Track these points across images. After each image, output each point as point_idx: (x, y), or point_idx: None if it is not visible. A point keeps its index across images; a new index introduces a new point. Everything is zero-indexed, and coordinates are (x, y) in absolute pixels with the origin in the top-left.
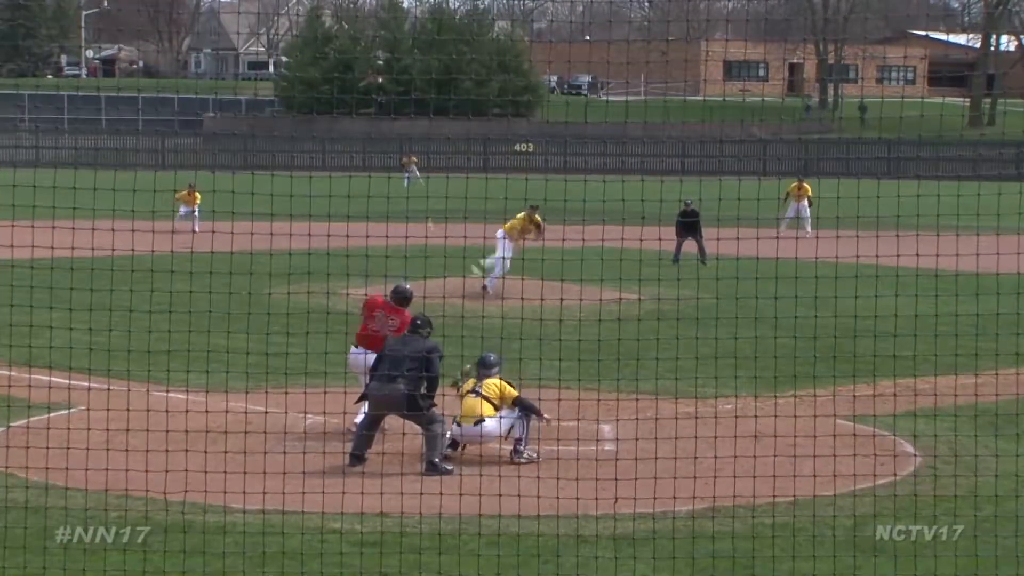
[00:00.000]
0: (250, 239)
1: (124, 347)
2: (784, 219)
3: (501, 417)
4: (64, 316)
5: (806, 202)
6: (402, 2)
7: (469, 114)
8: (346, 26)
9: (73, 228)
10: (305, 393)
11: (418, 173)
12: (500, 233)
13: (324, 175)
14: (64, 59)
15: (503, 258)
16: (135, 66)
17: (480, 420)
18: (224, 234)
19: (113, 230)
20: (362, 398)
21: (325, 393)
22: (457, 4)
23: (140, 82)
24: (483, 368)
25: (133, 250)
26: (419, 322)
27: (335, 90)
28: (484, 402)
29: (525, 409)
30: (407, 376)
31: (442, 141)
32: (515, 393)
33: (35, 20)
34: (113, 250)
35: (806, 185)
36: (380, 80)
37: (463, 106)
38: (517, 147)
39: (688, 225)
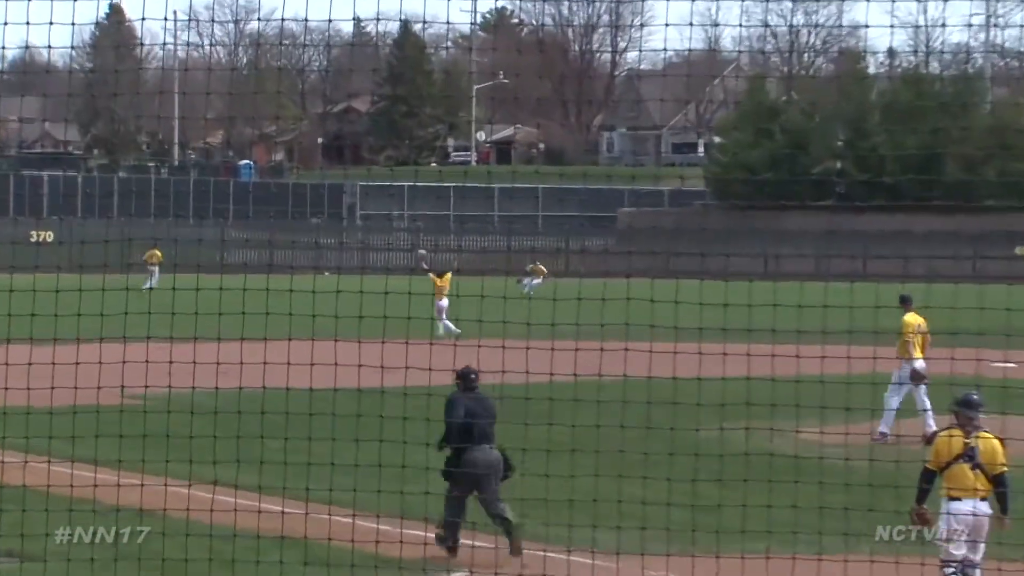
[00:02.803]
0: (672, 360)
1: None
2: None
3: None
4: None
5: None
6: (866, 67)
7: (956, 204)
8: (796, 96)
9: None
10: None
11: (539, 279)
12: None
13: (766, 282)
14: (451, 143)
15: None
16: (534, 150)
17: (980, 498)
18: (641, 352)
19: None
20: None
21: None
22: (940, 68)
23: (540, 169)
24: (967, 409)
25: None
26: (472, 376)
27: (783, 176)
28: (979, 473)
29: (1005, 491)
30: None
31: (916, 239)
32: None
33: (419, 95)
34: (527, 373)
35: None
36: (839, 164)
37: (949, 194)
38: (1018, 250)
39: None
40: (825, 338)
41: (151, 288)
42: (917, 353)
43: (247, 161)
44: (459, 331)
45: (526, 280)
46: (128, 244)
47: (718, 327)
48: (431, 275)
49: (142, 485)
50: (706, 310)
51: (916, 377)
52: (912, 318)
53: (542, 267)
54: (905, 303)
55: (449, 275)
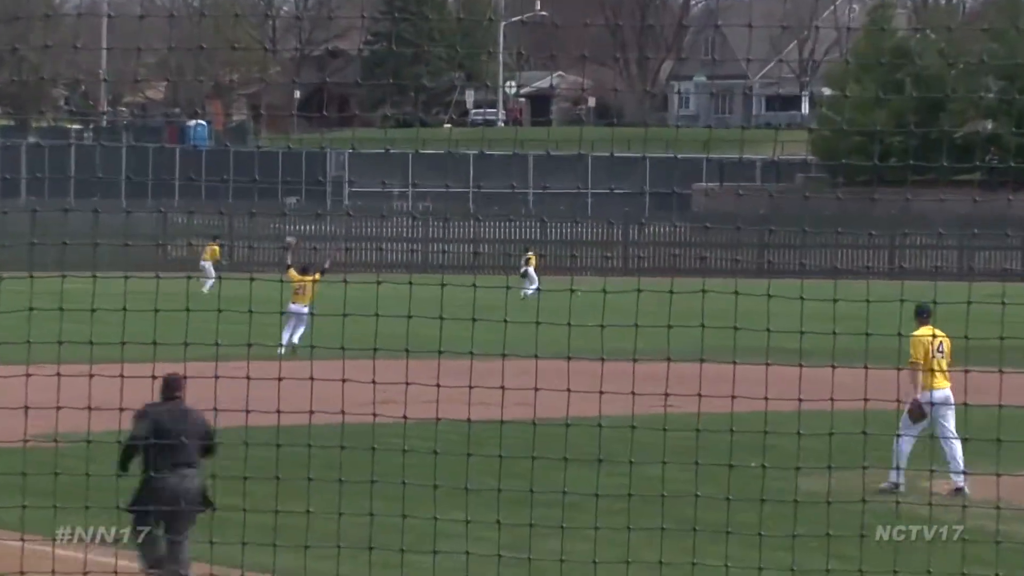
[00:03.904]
0: (763, 387)
1: None
2: None
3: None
4: None
5: None
6: None
7: None
8: (932, 36)
9: None
10: None
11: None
12: None
13: (891, 282)
14: (471, 97)
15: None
16: (581, 107)
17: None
18: (715, 378)
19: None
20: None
21: None
22: None
23: (589, 132)
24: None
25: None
26: (175, 383)
27: (915, 142)
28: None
29: None
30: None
31: None
32: None
33: (428, 33)
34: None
35: None
36: (989, 126)
37: None
38: None
39: None
40: (968, 356)
41: (208, 291)
42: (929, 382)
43: (198, 121)
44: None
45: (527, 283)
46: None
47: (825, 348)
48: (291, 271)
49: None
50: (808, 321)
51: (916, 415)
52: (924, 335)
53: (532, 255)
54: (921, 316)
55: (316, 276)
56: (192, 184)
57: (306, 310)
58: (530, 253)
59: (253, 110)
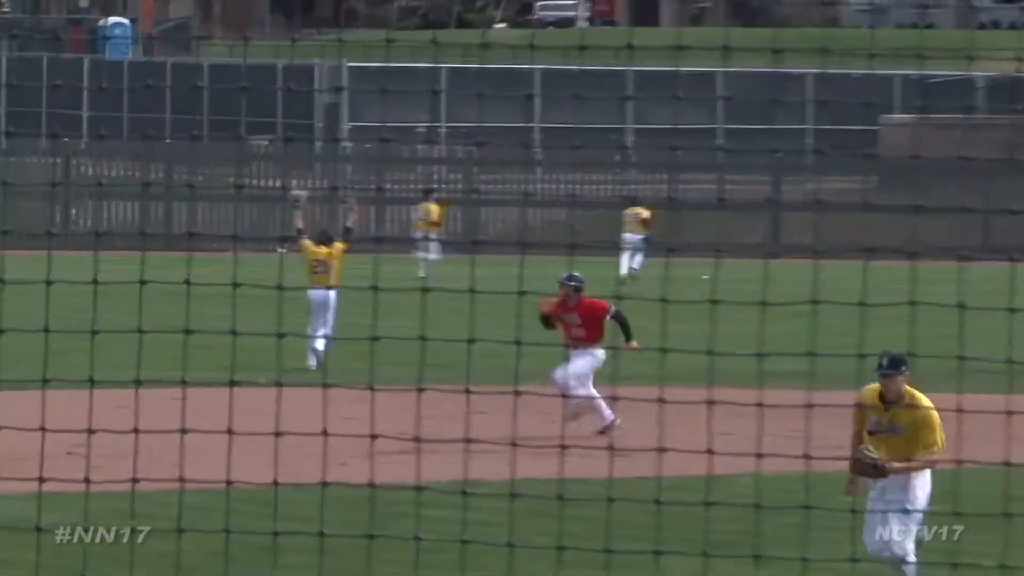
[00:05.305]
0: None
1: None
2: None
3: None
4: None
5: None
6: None
7: None
8: None
9: None
10: None
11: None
12: None
13: None
14: None
15: None
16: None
17: None
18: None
19: None
20: None
21: None
22: None
23: (713, 36)
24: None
25: None
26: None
27: None
28: None
29: None
30: None
31: None
32: None
33: None
34: None
35: None
36: None
37: None
38: None
39: None
40: None
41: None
42: None
43: (118, 19)
44: (321, 358)
45: (631, 255)
46: None
47: None
48: (304, 241)
49: None
50: None
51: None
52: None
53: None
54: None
55: (339, 245)
56: (106, 116)
57: (332, 295)
58: (640, 210)
59: (201, 3)
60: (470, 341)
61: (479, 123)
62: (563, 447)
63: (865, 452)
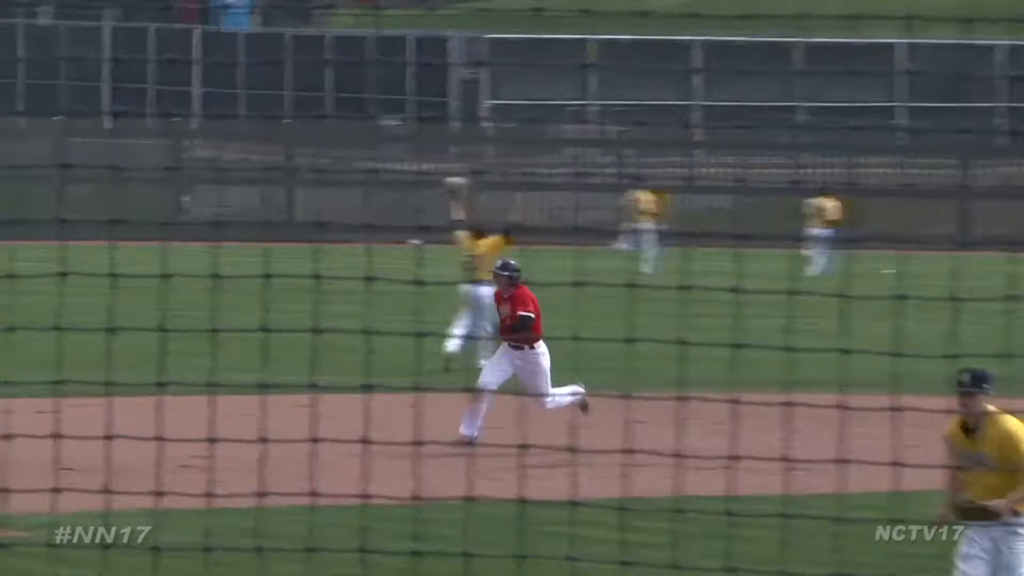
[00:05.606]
0: None
1: None
2: None
3: None
4: None
5: None
6: None
7: None
8: None
9: None
10: None
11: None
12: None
13: None
14: None
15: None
16: None
17: None
18: None
19: None
20: None
21: None
22: None
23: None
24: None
25: None
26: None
27: None
28: None
29: None
30: None
31: None
32: None
33: None
34: None
35: None
36: None
37: None
38: None
39: None
40: None
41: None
42: None
43: None
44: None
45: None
46: None
47: None
48: (458, 233)
49: None
50: None
51: None
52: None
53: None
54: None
55: (497, 239)
56: (221, 93)
57: (487, 292)
58: (825, 201)
59: None
60: (628, 341)
61: (636, 100)
62: (731, 458)
63: (962, 499)
